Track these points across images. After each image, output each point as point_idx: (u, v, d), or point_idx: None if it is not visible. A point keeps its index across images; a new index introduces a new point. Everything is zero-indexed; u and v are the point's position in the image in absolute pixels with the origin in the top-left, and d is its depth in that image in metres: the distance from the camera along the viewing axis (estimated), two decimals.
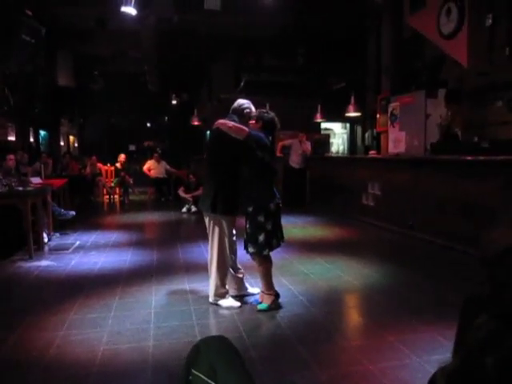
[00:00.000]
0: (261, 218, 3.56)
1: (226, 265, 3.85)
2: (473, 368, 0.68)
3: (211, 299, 3.82)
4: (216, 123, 3.74)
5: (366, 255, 5.54)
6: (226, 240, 3.79)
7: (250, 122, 3.76)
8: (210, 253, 3.87)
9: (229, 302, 3.80)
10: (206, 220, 3.88)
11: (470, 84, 7.73)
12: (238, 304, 3.79)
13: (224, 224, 3.76)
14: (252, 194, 3.64)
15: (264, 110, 3.83)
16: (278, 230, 3.68)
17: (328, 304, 3.89)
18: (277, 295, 3.75)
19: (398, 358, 2.80)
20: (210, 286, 3.85)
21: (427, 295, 4.09)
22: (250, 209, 3.61)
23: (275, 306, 3.70)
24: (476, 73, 7.34)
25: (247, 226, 3.68)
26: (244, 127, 3.63)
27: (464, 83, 7.89)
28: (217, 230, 3.77)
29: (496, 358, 0.64)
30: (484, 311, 0.70)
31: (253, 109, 3.89)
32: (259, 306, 3.73)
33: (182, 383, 1.34)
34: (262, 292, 3.78)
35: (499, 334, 0.66)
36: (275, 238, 3.64)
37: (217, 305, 3.78)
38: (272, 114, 3.76)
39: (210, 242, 3.85)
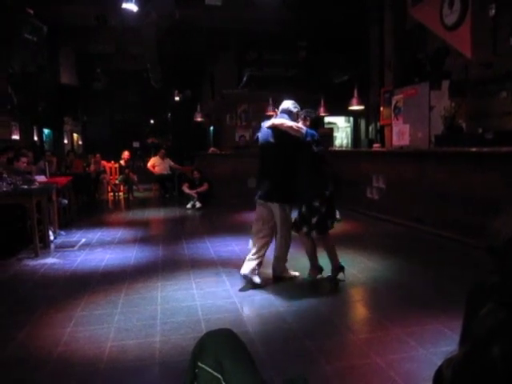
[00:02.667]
0: (316, 203, 4.06)
1: (289, 244, 4.43)
2: (479, 357, 0.67)
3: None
4: (273, 123, 4.23)
5: (371, 248, 5.53)
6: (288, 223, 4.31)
7: (301, 120, 4.26)
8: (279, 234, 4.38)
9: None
10: (263, 209, 4.32)
11: (473, 75, 7.67)
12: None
13: (287, 210, 4.27)
14: (310, 182, 4.12)
15: (310, 110, 4.35)
16: (333, 212, 4.21)
17: (334, 297, 3.90)
18: (321, 269, 4.36)
19: (405, 351, 2.80)
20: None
21: (433, 288, 4.08)
22: (308, 195, 4.11)
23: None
24: (480, 64, 7.28)
25: (303, 210, 4.14)
26: (301, 126, 4.15)
27: (468, 74, 7.83)
28: (283, 215, 4.25)
29: (503, 347, 0.64)
30: (491, 300, 0.70)
31: (298, 108, 4.39)
32: (331, 278, 4.31)
33: (189, 376, 1.35)
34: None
35: (507, 323, 0.65)
36: (329, 219, 4.17)
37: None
38: (316, 113, 4.30)
39: (277, 227, 4.33)
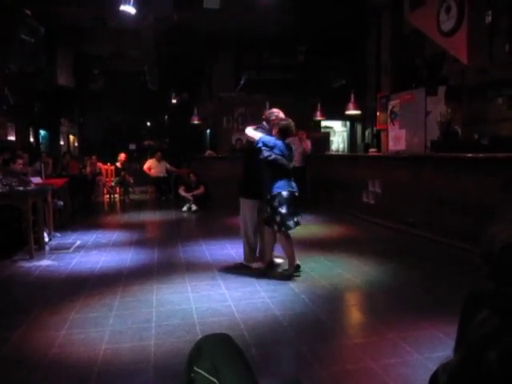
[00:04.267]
0: (275, 203, 4.42)
1: (249, 234, 4.98)
2: (475, 363, 0.67)
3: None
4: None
5: (367, 253, 5.54)
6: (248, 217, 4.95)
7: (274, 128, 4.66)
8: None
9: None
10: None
11: (470, 81, 7.71)
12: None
13: (250, 205, 4.90)
14: (264, 184, 4.55)
15: (283, 119, 4.71)
16: (294, 213, 4.47)
17: (329, 302, 3.89)
18: (297, 267, 4.56)
19: (400, 355, 2.80)
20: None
21: (428, 292, 4.09)
22: (268, 197, 4.49)
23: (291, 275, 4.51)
24: (476, 70, 7.32)
25: (268, 209, 4.56)
26: (257, 133, 4.70)
27: (464, 80, 7.88)
28: (245, 209, 4.96)
29: (499, 352, 0.64)
30: (486, 307, 0.70)
31: (280, 115, 4.80)
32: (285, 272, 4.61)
33: (185, 381, 1.34)
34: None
35: (503, 329, 0.65)
36: (292, 220, 4.44)
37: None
38: (286, 122, 4.62)
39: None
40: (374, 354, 2.82)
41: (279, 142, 4.53)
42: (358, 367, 2.69)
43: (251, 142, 4.76)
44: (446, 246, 5.66)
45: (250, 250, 4.99)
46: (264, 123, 4.87)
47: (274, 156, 4.45)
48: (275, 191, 4.42)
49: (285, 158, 4.53)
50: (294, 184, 4.54)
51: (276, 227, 4.50)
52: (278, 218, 4.42)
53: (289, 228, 4.49)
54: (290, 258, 4.59)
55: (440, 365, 0.80)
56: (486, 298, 0.72)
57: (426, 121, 8.17)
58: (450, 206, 5.79)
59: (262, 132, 4.76)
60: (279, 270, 4.77)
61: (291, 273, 4.54)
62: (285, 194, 4.41)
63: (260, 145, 4.52)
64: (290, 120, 4.67)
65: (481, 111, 7.54)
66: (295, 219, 4.50)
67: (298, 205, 4.60)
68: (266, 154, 4.46)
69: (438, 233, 5.94)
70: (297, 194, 4.53)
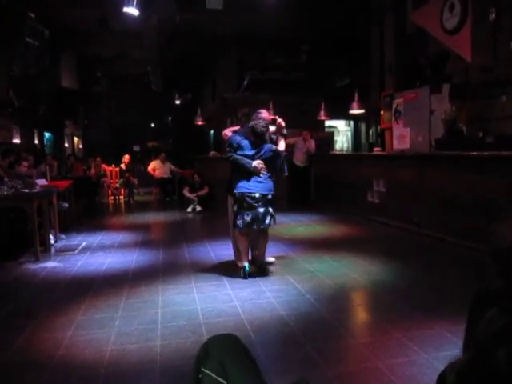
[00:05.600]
0: (231, 201, 4.76)
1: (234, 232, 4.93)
2: (484, 362, 0.67)
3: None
4: None
5: (372, 252, 5.53)
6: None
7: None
8: None
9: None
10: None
11: (474, 79, 7.69)
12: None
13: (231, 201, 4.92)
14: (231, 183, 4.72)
15: (261, 120, 4.57)
16: (243, 213, 4.51)
17: (335, 302, 3.89)
18: (244, 268, 4.57)
19: (406, 355, 2.79)
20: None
21: (434, 291, 4.08)
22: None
23: (243, 276, 4.55)
24: (480, 68, 7.29)
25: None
26: (228, 134, 4.83)
27: (468, 78, 7.85)
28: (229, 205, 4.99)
29: (508, 351, 0.63)
30: (495, 305, 0.69)
31: (261, 116, 4.61)
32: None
33: (192, 382, 1.34)
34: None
35: (511, 328, 0.65)
36: (241, 219, 4.52)
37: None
38: (254, 122, 4.55)
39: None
40: (380, 354, 2.81)
41: (245, 142, 4.58)
42: (364, 367, 2.69)
43: None
44: (452, 245, 5.64)
45: (235, 248, 5.05)
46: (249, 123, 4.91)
47: (234, 157, 4.57)
48: (233, 190, 4.61)
49: (248, 157, 4.55)
50: (254, 185, 4.51)
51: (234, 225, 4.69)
52: (232, 216, 4.70)
53: (237, 226, 4.58)
54: (237, 255, 4.85)
55: (448, 364, 0.80)
56: (494, 297, 0.72)
57: (430, 119, 8.14)
58: (455, 205, 5.77)
59: (242, 133, 4.73)
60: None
61: (242, 275, 4.55)
62: (237, 193, 4.55)
63: (226, 145, 4.72)
64: (263, 119, 4.57)
65: (485, 109, 7.51)
66: (244, 219, 4.50)
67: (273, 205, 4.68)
68: (228, 154, 4.65)
69: (443, 231, 5.92)
70: (257, 195, 4.50)
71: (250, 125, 4.63)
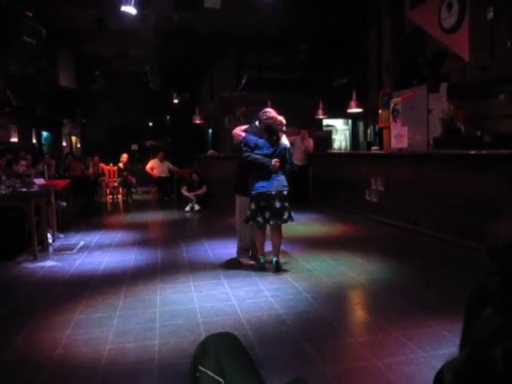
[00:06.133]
0: (240, 200, 4.98)
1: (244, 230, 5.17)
2: (480, 360, 0.67)
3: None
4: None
5: (370, 251, 5.54)
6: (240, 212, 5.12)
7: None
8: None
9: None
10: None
11: (472, 78, 7.70)
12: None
13: (240, 200, 5.10)
14: (248, 182, 4.79)
15: (265, 117, 4.73)
16: (263, 211, 4.66)
17: (333, 300, 3.89)
18: (259, 260, 4.83)
19: (404, 353, 2.79)
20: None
21: (431, 290, 4.08)
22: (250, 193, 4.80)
23: (259, 267, 4.80)
24: (478, 67, 7.30)
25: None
26: (241, 134, 4.92)
27: (466, 77, 7.86)
28: (237, 204, 5.17)
29: (504, 350, 0.64)
30: (491, 304, 0.70)
31: (271, 114, 4.73)
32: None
33: (190, 380, 1.34)
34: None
35: (508, 325, 0.65)
36: (260, 216, 4.67)
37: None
38: (269, 121, 4.69)
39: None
40: (378, 352, 2.82)
41: (261, 141, 4.71)
42: (362, 365, 2.69)
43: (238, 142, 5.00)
44: (449, 244, 5.65)
45: (240, 245, 5.21)
46: (256, 123, 4.96)
47: (252, 156, 4.67)
48: (249, 189, 4.73)
49: (267, 156, 4.67)
50: (270, 183, 4.66)
51: (245, 219, 4.84)
52: (248, 213, 4.76)
53: (256, 222, 4.75)
54: (256, 251, 4.95)
55: (445, 362, 0.80)
56: (491, 295, 0.72)
57: (428, 118, 8.16)
58: (452, 204, 5.78)
59: (251, 132, 4.89)
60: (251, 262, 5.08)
61: (258, 266, 4.82)
62: (255, 192, 4.67)
63: (242, 144, 4.76)
64: (275, 118, 4.70)
65: (483, 108, 7.52)
66: (264, 216, 4.68)
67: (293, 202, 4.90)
68: (245, 154, 4.70)
69: (441, 230, 5.93)
70: (273, 192, 4.66)
71: (263, 124, 4.73)
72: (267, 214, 4.68)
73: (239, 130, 5.03)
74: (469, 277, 4.05)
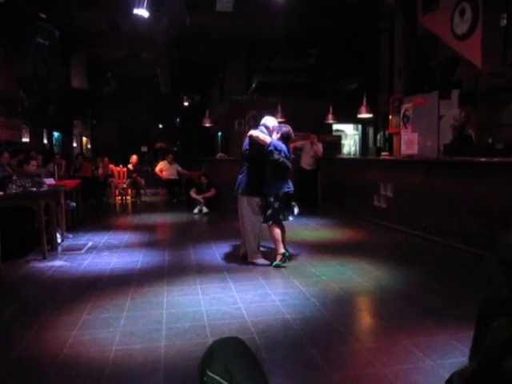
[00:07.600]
0: (271, 199, 5.14)
1: (253, 231, 5.36)
2: (492, 369, 0.66)
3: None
4: (250, 134, 5.32)
5: (378, 257, 5.51)
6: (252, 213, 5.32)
7: (275, 133, 5.35)
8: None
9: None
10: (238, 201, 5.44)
11: (484, 85, 7.65)
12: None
13: (254, 201, 5.28)
14: (268, 182, 5.20)
15: (282, 125, 5.42)
16: (287, 209, 5.17)
17: (340, 306, 3.87)
18: (284, 254, 5.10)
19: (412, 361, 2.77)
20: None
21: (440, 298, 4.05)
22: (265, 192, 5.21)
23: (286, 259, 5.13)
24: (490, 73, 7.25)
25: (263, 203, 5.25)
26: (267, 137, 5.23)
27: (478, 84, 7.80)
28: (247, 205, 5.31)
29: None
30: (502, 314, 0.69)
31: (275, 123, 5.47)
32: (274, 263, 5.09)
33: None
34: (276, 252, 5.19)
35: None
36: (283, 214, 5.15)
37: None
38: (287, 128, 5.31)
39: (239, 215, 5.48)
40: (385, 360, 2.80)
41: (284, 146, 5.22)
42: (369, 372, 2.67)
43: (258, 145, 5.21)
44: (459, 252, 5.60)
45: (253, 246, 5.32)
46: (262, 128, 5.40)
47: (282, 159, 5.12)
48: (275, 190, 5.13)
49: (288, 159, 5.23)
50: (291, 184, 5.25)
51: (263, 220, 5.22)
52: (268, 212, 5.14)
53: (278, 221, 5.16)
54: (277, 249, 5.17)
55: (455, 371, 0.79)
56: (503, 305, 0.71)
57: (439, 124, 8.11)
58: (463, 211, 5.73)
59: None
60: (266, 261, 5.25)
61: (279, 262, 5.08)
62: (281, 192, 5.12)
63: (271, 148, 5.11)
64: (289, 127, 5.35)
65: (495, 115, 7.46)
66: (284, 214, 5.18)
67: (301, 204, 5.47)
68: (276, 156, 5.10)
69: (451, 238, 5.88)
70: (291, 192, 5.22)
71: (283, 131, 5.28)
72: (287, 212, 5.17)
73: (260, 134, 5.27)
74: (480, 286, 4.02)
